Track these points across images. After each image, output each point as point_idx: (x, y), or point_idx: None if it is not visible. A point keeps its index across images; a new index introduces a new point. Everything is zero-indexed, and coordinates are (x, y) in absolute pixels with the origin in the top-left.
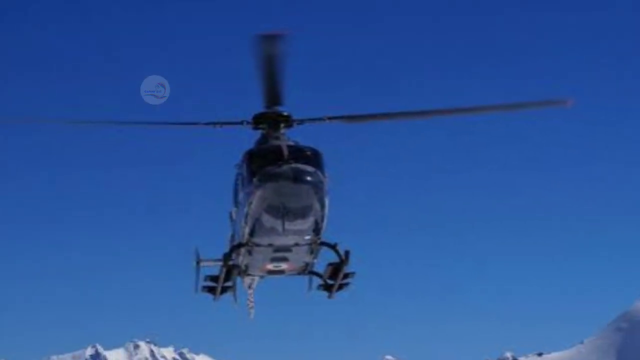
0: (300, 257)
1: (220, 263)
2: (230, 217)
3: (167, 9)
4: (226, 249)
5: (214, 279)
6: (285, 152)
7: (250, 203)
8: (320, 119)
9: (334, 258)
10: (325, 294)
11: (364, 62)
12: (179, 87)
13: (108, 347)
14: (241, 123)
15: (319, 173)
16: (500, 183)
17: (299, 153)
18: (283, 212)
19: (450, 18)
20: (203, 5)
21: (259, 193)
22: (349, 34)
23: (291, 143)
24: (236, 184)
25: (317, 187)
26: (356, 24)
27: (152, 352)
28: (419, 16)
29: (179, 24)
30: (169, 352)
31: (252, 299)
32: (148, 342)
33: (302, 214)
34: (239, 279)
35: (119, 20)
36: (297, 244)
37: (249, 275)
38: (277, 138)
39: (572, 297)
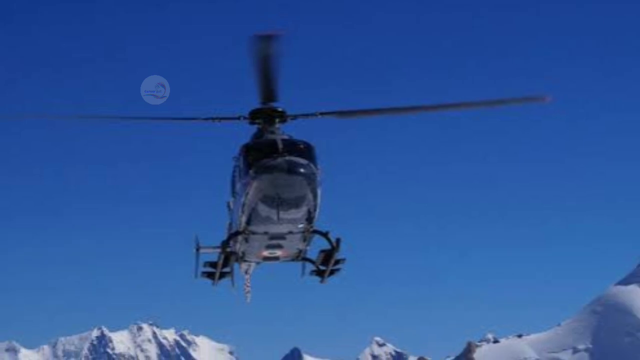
0: (294, 244)
1: (219, 250)
2: (228, 206)
3: (168, 11)
4: (224, 237)
5: (213, 265)
6: (280, 145)
7: (247, 193)
8: (312, 115)
9: (326, 245)
10: (317, 279)
11: (354, 61)
12: (180, 85)
13: (113, 329)
14: (238, 118)
15: (312, 165)
16: (482, 175)
17: (292, 146)
18: (278, 202)
19: (436, 20)
20: (202, 7)
21: (255, 184)
22: (341, 35)
23: (285, 137)
24: (234, 176)
25: (310, 179)
26: (348, 25)
27: (154, 334)
28: (407, 17)
29: (179, 26)
30: (170, 333)
31: (248, 284)
32: (151, 324)
33: (296, 203)
34: (236, 265)
35: (122, 23)
36: (291, 232)
37: (245, 261)
38: (272, 132)
39: (550, 283)
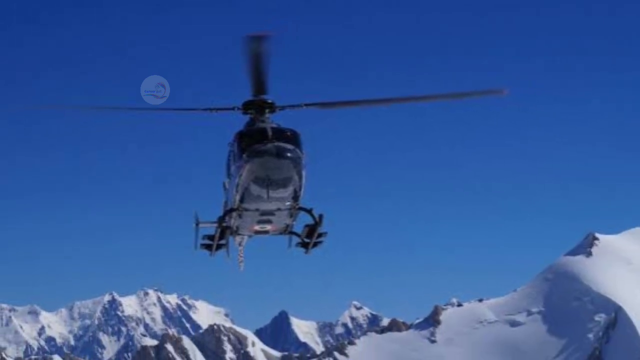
0: (281, 219)
1: (216, 224)
2: (224, 186)
3: (170, 13)
4: (220, 213)
5: (211, 237)
6: (270, 132)
7: (241, 175)
8: (298, 106)
9: (310, 220)
10: (302, 250)
11: (335, 58)
12: (181, 79)
13: (122, 294)
14: (233, 109)
15: (298, 150)
16: (447, 158)
17: (280, 133)
18: (267, 183)
19: (407, 21)
20: (201, 9)
21: (247, 167)
22: (324, 35)
23: (274, 125)
24: (229, 159)
25: (296, 162)
26: (330, 27)
27: (159, 298)
28: (380, 20)
29: (180, 26)
30: (173, 298)
31: (242, 255)
32: (156, 290)
33: (284, 184)
34: (231, 238)
35: (130, 24)
36: (279, 209)
37: (239, 234)
38: (263, 121)
39: (508, 253)
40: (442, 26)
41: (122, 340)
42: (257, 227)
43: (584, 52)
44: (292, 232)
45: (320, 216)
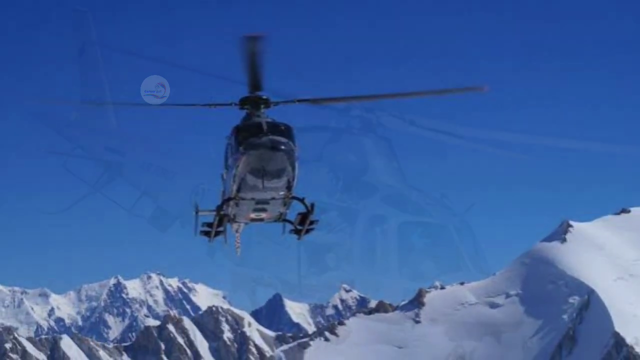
0: (276, 208)
1: (214, 213)
2: (222, 177)
3: (171, 14)
4: (219, 202)
5: (209, 225)
6: (265, 126)
7: (237, 166)
8: (291, 101)
9: (302, 209)
10: (295, 237)
11: (327, 57)
12: (181, 77)
13: (127, 278)
14: (230, 104)
15: (291, 143)
16: (431, 150)
17: (275, 127)
18: (263, 174)
19: (391, 23)
20: (201, 9)
21: (244, 159)
22: (315, 36)
23: (269, 120)
24: (226, 152)
25: (289, 154)
26: (321, 28)
27: (161, 282)
28: (368, 22)
29: (181, 26)
30: (174, 281)
31: (239, 241)
32: (158, 274)
33: (278, 175)
34: (228, 225)
35: (133, 23)
36: (273, 198)
37: (236, 222)
38: (258, 116)
39: (487, 240)
40: (427, 27)
41: (127, 321)
42: (253, 215)
43: (562, 53)
44: (285, 220)
45: (312, 205)
